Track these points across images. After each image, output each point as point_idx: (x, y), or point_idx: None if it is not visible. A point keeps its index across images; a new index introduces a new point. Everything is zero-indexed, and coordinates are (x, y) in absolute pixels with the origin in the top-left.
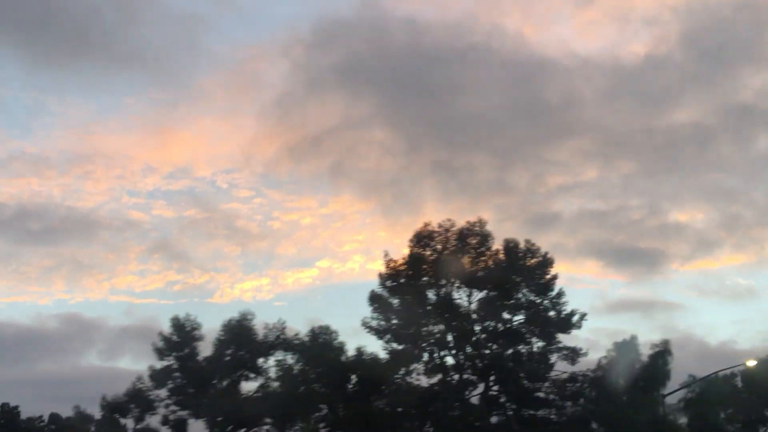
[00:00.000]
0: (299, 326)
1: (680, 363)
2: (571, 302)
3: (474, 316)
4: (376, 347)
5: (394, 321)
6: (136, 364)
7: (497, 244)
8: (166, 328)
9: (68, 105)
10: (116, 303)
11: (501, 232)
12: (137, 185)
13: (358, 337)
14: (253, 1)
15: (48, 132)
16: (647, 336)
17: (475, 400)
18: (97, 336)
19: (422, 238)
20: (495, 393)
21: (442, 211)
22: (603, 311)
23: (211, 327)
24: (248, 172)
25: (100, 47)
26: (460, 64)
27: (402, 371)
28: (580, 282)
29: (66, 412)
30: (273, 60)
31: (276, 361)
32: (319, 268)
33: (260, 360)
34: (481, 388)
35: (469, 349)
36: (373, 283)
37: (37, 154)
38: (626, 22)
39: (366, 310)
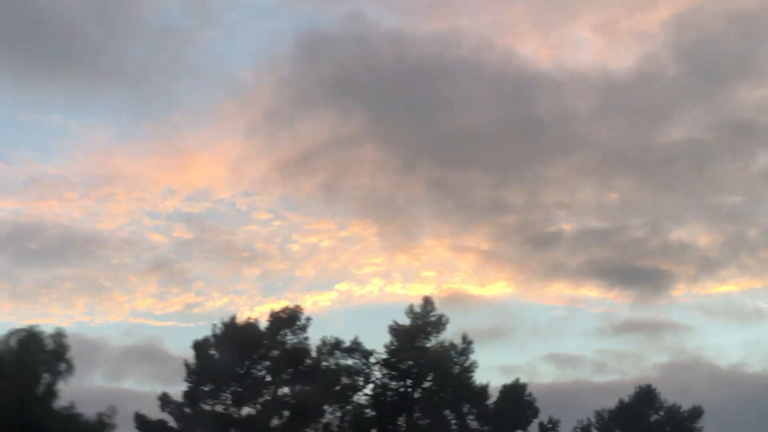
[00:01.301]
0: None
1: (692, 386)
2: (575, 323)
3: None
4: None
5: None
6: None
7: None
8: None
9: (89, 128)
10: (137, 325)
11: (500, 250)
12: (157, 207)
13: None
14: (237, 18)
15: (69, 155)
16: (656, 358)
17: None
18: (110, 357)
19: None
20: None
21: (439, 231)
22: (609, 333)
23: None
24: (267, 194)
25: (115, 72)
26: (448, 79)
27: None
28: (583, 302)
29: None
30: (265, 77)
31: None
32: (338, 291)
33: None
34: None
35: None
36: (394, 306)
37: (58, 176)
38: (616, 36)
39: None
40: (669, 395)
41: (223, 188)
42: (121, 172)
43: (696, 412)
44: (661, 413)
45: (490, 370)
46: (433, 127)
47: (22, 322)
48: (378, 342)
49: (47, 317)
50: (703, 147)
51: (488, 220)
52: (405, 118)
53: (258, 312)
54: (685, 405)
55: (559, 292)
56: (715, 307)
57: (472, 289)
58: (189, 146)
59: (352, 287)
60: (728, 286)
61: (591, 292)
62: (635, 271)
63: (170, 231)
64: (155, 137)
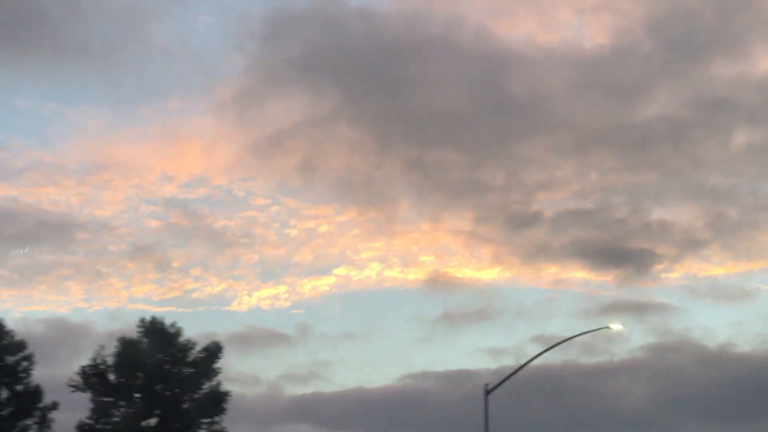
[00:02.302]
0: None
1: (680, 366)
2: (561, 305)
3: None
4: None
5: None
6: None
7: None
8: None
9: (86, 115)
10: (135, 311)
11: (481, 231)
12: (154, 194)
13: (374, 344)
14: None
15: (65, 142)
16: (643, 339)
17: None
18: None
19: None
20: None
21: (418, 212)
22: (595, 314)
23: (230, 335)
24: (264, 180)
25: (106, 58)
26: (419, 57)
27: None
28: (568, 283)
29: None
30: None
31: None
32: (336, 276)
33: None
34: None
35: None
36: (391, 291)
37: (54, 163)
38: (589, 11)
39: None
40: (657, 375)
41: (220, 174)
42: (118, 159)
43: (214, 348)
44: (173, 350)
45: (479, 353)
46: (405, 105)
47: (19, 308)
48: (377, 327)
49: (44, 304)
50: (680, 124)
51: (467, 200)
52: (376, 96)
53: (256, 297)
54: (671, 387)
55: (544, 273)
56: (701, 288)
57: (458, 272)
58: (184, 132)
59: (350, 272)
60: (714, 266)
61: (577, 273)
62: (620, 251)
63: (167, 217)
64: (150, 123)
